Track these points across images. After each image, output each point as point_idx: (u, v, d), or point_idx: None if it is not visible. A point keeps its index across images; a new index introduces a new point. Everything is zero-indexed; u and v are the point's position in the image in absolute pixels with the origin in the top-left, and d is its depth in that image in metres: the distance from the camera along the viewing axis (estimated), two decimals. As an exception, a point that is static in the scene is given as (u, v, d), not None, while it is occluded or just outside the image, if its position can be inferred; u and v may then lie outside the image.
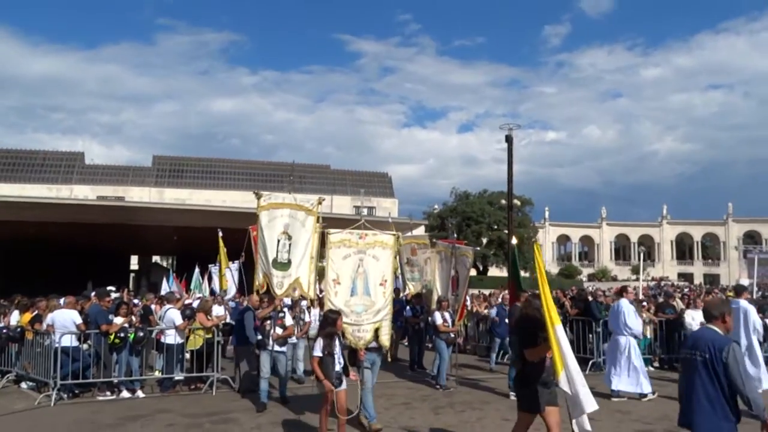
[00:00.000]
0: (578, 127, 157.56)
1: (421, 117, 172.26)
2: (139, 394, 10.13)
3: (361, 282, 8.19)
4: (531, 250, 52.71)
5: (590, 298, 14.18)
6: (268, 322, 9.39)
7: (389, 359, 9.02)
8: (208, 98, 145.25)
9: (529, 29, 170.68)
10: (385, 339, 8.20)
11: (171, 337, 10.55)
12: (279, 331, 9.43)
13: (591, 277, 72.68)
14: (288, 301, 10.70)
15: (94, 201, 42.78)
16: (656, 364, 12.89)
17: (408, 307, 13.53)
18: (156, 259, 51.76)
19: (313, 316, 11.71)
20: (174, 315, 10.72)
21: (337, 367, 6.83)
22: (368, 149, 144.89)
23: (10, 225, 25.07)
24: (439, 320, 11.00)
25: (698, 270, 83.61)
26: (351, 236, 8.38)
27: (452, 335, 11.22)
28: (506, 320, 11.84)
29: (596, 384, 9.07)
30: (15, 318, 11.83)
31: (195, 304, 12.52)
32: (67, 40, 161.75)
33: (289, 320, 9.85)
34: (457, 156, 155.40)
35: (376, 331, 8.08)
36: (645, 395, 9.62)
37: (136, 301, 16.34)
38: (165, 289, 19.81)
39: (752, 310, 9.96)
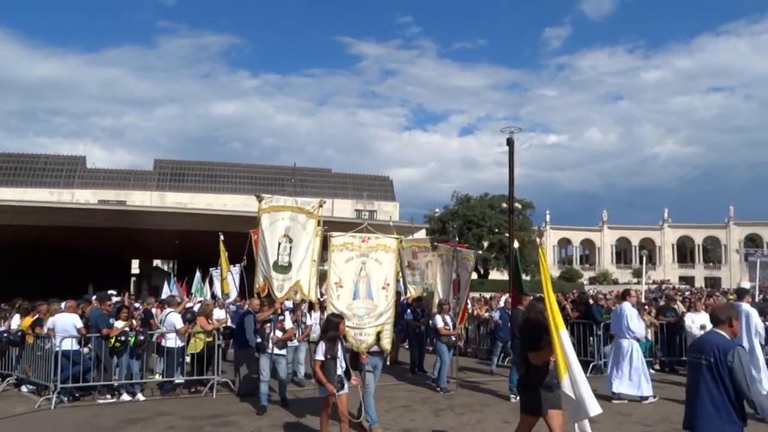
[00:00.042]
0: (579, 130, 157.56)
1: (422, 120, 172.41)
2: (140, 397, 10.12)
3: (364, 285, 8.18)
4: (532, 254, 52.78)
5: (591, 302, 14.18)
6: (268, 325, 9.39)
7: (388, 363, 9.00)
8: (209, 101, 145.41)
9: (530, 31, 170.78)
10: (387, 343, 8.20)
11: (172, 341, 10.55)
12: (279, 334, 9.43)
13: (592, 281, 72.64)
14: (289, 304, 10.70)
15: (96, 205, 42.83)
16: (657, 366, 12.86)
17: (409, 311, 13.54)
18: (157, 262, 51.85)
19: (314, 320, 11.70)
20: (175, 319, 10.73)
21: (339, 371, 6.83)
22: (369, 152, 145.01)
23: (12, 229, 25.09)
24: (440, 323, 11.01)
25: (699, 273, 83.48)
26: (354, 239, 8.38)
27: (453, 338, 11.22)
28: (508, 324, 11.82)
29: (597, 387, 9.03)
30: (16, 322, 11.84)
31: (196, 308, 12.52)
32: (67, 43, 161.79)
33: (288, 323, 9.85)
34: (458, 159, 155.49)
35: (378, 334, 8.06)
36: (646, 398, 9.62)
37: (137, 304, 16.32)
38: (166, 292, 19.84)
39: (754, 314, 9.99)
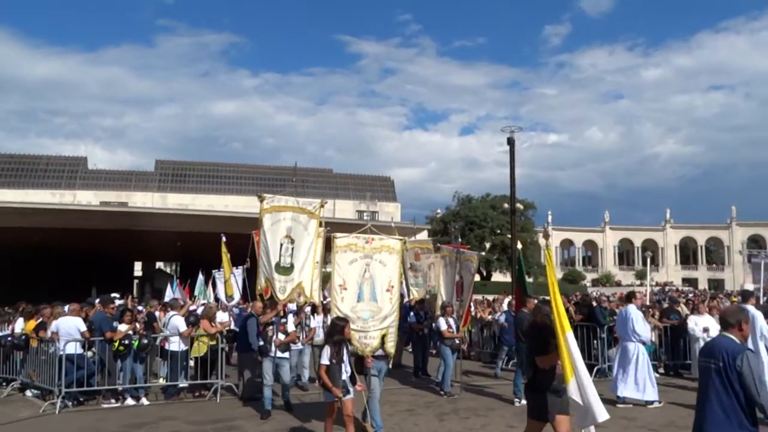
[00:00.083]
0: (580, 129, 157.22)
1: (423, 119, 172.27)
2: (144, 401, 10.10)
3: (368, 287, 8.15)
4: (534, 255, 52.69)
5: (594, 304, 14.14)
6: (271, 328, 9.35)
7: (390, 366, 8.97)
8: (209, 101, 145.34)
9: (530, 29, 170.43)
10: (391, 346, 8.16)
11: (175, 344, 10.54)
12: (281, 337, 9.38)
13: (595, 283, 72.58)
14: (293, 306, 10.68)
15: (98, 207, 42.83)
16: (661, 370, 12.80)
17: (412, 313, 13.49)
18: (160, 265, 51.81)
19: (317, 323, 11.67)
20: (178, 322, 10.72)
21: (344, 376, 6.79)
22: (370, 152, 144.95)
23: (15, 232, 25.13)
24: (443, 326, 10.96)
25: (702, 275, 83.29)
26: (357, 240, 8.34)
27: (457, 341, 11.18)
28: (513, 326, 11.78)
29: (601, 390, 8.99)
30: (19, 325, 11.82)
31: (199, 311, 12.51)
32: (67, 42, 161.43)
33: (291, 326, 9.81)
34: (458, 159, 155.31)
35: (383, 338, 8.03)
36: (651, 402, 9.57)
37: (140, 308, 16.34)
38: (169, 295, 19.81)
39: (759, 316, 9.91)
